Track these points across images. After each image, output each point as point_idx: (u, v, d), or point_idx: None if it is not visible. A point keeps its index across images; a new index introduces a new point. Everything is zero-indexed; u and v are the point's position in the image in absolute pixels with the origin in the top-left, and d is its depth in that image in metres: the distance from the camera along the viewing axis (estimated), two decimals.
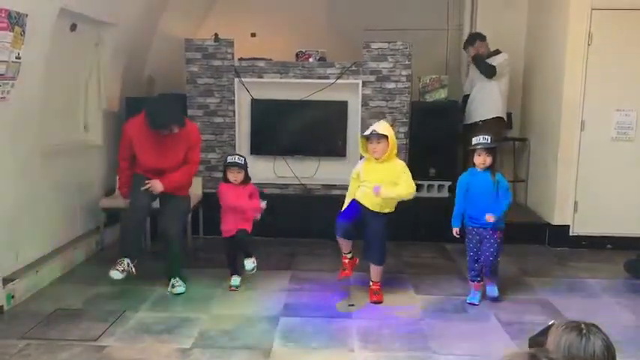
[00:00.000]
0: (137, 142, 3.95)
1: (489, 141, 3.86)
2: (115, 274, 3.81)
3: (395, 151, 3.86)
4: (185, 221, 4.14)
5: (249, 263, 4.15)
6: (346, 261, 4.03)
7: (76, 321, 3.55)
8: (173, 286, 4.01)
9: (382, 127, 3.82)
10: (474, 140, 3.91)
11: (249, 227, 4.11)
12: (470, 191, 3.93)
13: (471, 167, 3.96)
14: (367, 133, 3.81)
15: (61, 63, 4.31)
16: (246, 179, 4.11)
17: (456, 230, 3.99)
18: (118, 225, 4.65)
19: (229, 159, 4.10)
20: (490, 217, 3.80)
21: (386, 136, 3.77)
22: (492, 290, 3.97)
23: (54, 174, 4.36)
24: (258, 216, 4.13)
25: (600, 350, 1.58)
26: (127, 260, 3.87)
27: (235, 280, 4.18)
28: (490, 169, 3.87)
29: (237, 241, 4.11)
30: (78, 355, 3.13)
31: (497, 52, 5.62)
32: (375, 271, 4.00)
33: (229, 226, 4.11)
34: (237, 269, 4.21)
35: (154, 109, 3.89)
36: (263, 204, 4.10)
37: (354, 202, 3.93)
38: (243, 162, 4.06)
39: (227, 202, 4.04)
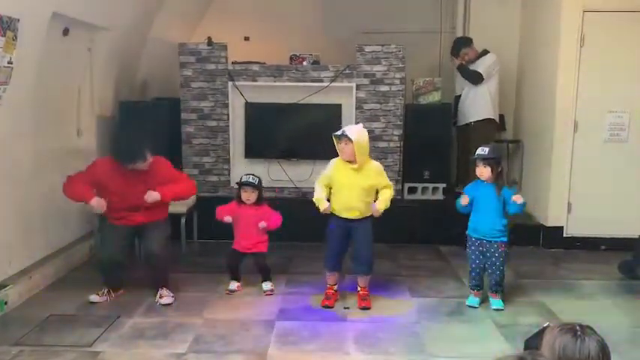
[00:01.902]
0: (105, 181, 3.79)
1: (487, 152, 3.76)
2: (94, 298, 3.93)
3: (367, 155, 3.80)
4: (169, 243, 4.05)
5: (267, 285, 4.18)
6: (331, 292, 3.98)
7: (70, 327, 3.52)
8: (161, 297, 3.94)
9: (353, 130, 3.74)
10: (476, 151, 3.84)
11: (265, 247, 4.13)
12: (475, 203, 3.88)
13: (478, 179, 3.88)
14: (338, 132, 3.77)
15: (53, 68, 4.29)
16: (260, 200, 4.10)
17: (464, 198, 3.88)
18: None
19: (243, 178, 4.08)
20: (518, 198, 3.74)
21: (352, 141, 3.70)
22: (497, 303, 3.92)
23: (47, 179, 4.33)
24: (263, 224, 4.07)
25: (595, 352, 1.59)
26: (106, 289, 3.98)
27: (233, 285, 4.17)
28: (496, 182, 3.79)
29: (257, 266, 4.19)
30: None
31: (485, 52, 5.64)
32: (364, 279, 3.98)
33: (242, 241, 4.11)
34: (238, 276, 4.21)
35: (119, 142, 3.77)
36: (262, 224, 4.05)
37: (335, 225, 3.87)
38: (257, 182, 4.05)
39: (235, 224, 4.08)
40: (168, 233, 4.05)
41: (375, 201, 3.88)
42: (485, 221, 3.84)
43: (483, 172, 3.80)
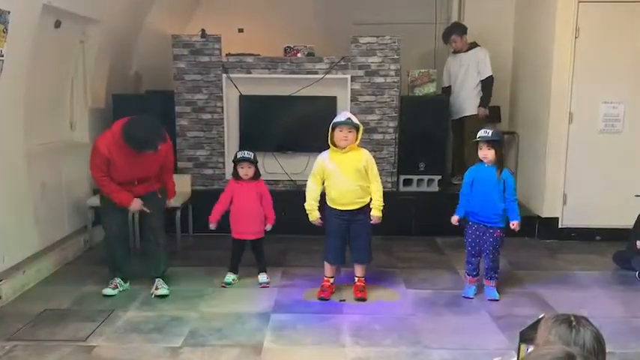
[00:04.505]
0: (112, 159, 3.74)
1: (490, 134, 3.77)
2: (108, 291, 3.92)
3: (357, 142, 3.80)
4: (165, 214, 4.15)
5: (264, 277, 4.19)
6: (328, 284, 3.97)
7: (64, 321, 3.51)
8: (157, 288, 3.94)
9: (353, 117, 3.78)
10: (478, 134, 3.85)
11: (262, 232, 4.15)
12: (474, 186, 3.89)
13: (479, 162, 3.88)
14: (342, 119, 3.73)
15: (45, 60, 4.25)
16: (257, 175, 4.15)
17: (455, 219, 3.94)
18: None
19: (239, 154, 4.12)
20: (515, 224, 3.81)
21: (357, 128, 3.74)
22: (492, 293, 3.93)
23: (40, 173, 4.30)
24: (269, 227, 4.16)
25: (590, 342, 1.59)
26: (118, 280, 3.99)
27: (229, 277, 4.17)
28: (496, 164, 3.80)
29: (255, 254, 4.22)
30: (67, 355, 3.09)
31: (474, 45, 5.65)
32: (361, 268, 3.98)
33: (240, 227, 4.12)
34: (237, 268, 4.21)
35: (137, 132, 3.67)
36: (268, 227, 4.16)
37: (332, 218, 3.86)
38: (252, 157, 4.09)
39: (233, 203, 4.12)
40: (164, 204, 4.12)
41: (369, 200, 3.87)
42: (484, 205, 3.84)
43: (487, 153, 3.78)
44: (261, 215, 4.14)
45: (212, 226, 4.10)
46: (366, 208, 3.86)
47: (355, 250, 3.96)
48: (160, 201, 4.05)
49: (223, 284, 4.13)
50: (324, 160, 3.85)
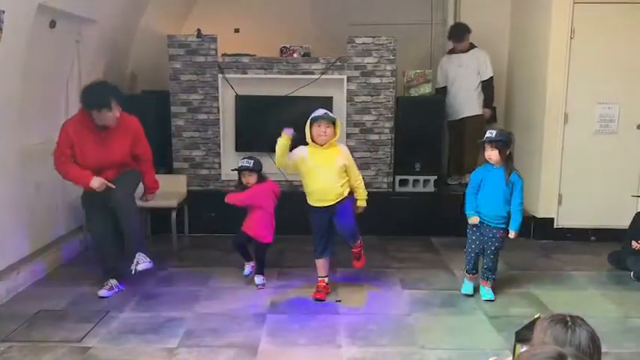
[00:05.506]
0: (78, 141, 3.73)
1: (494, 135, 3.77)
2: (104, 293, 3.89)
3: (337, 138, 3.83)
4: (135, 191, 4.04)
5: (260, 279, 4.17)
6: (323, 285, 3.97)
7: (59, 322, 3.50)
8: (137, 263, 3.80)
9: (330, 113, 3.81)
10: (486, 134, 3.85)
11: (264, 237, 4.10)
12: (482, 186, 3.88)
13: (486, 163, 3.89)
14: (319, 114, 3.74)
15: (40, 60, 4.23)
16: (260, 179, 4.12)
17: (476, 219, 3.87)
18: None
19: (239, 163, 4.13)
20: (512, 234, 3.84)
21: (335, 124, 3.76)
22: (487, 293, 3.93)
23: (35, 173, 4.29)
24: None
25: (586, 342, 1.59)
26: (113, 281, 3.95)
27: (247, 268, 4.18)
28: (505, 166, 3.79)
29: (256, 254, 4.18)
30: (62, 356, 3.08)
31: (472, 45, 5.66)
32: (353, 243, 3.98)
33: (252, 225, 4.10)
34: (249, 255, 4.19)
35: (89, 89, 3.73)
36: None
37: (314, 214, 3.87)
38: (252, 164, 4.08)
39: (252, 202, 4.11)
40: (135, 182, 4.02)
41: (350, 194, 3.89)
42: (489, 205, 3.84)
43: (491, 154, 3.79)
44: (263, 219, 4.10)
45: (226, 199, 4.09)
46: (345, 198, 3.85)
47: (343, 235, 3.89)
48: (129, 177, 3.92)
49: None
50: (304, 154, 3.83)
